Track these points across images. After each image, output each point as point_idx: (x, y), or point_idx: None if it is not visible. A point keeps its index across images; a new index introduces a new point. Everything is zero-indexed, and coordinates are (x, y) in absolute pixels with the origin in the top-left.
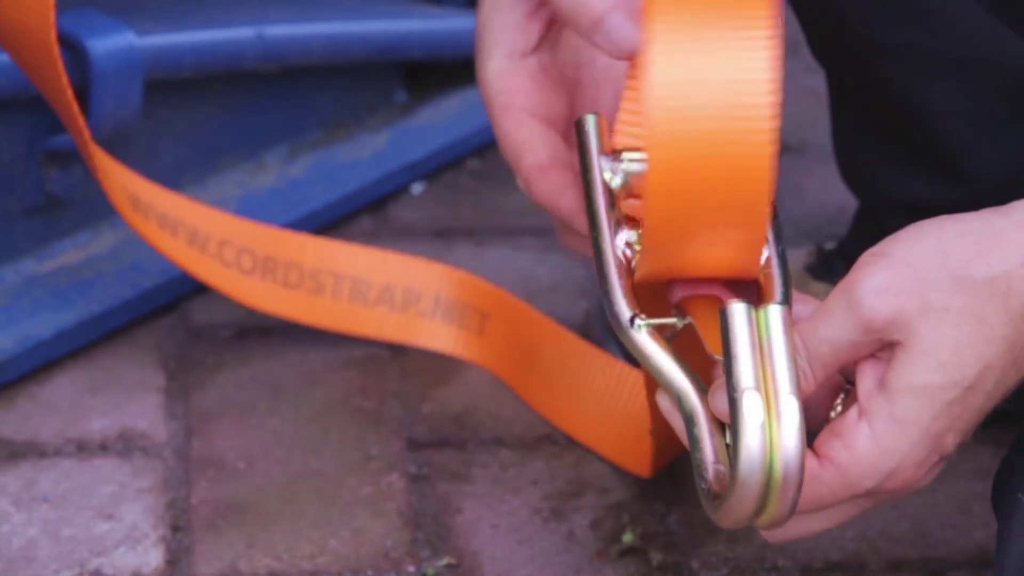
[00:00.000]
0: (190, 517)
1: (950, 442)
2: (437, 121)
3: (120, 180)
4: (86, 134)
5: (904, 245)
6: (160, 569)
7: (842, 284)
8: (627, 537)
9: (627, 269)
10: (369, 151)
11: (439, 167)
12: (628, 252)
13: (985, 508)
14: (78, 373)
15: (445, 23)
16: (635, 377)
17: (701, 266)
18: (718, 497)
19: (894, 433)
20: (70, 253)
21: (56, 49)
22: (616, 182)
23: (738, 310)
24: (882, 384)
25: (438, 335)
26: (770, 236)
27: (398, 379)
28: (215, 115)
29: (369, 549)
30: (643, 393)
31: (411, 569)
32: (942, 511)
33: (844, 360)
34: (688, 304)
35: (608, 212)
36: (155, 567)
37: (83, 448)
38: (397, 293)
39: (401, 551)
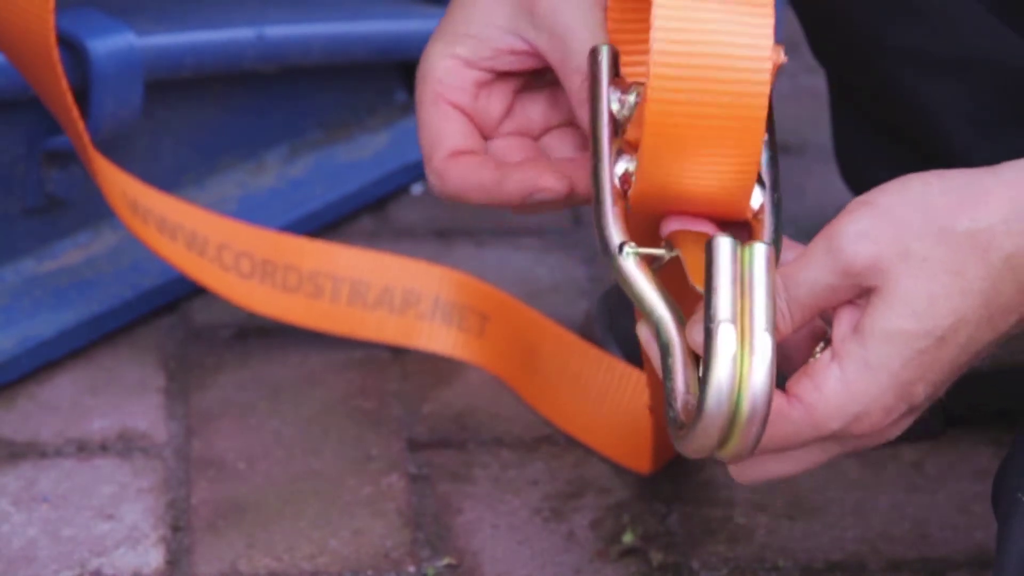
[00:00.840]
0: (190, 517)
1: (920, 392)
2: None
3: (118, 185)
4: (85, 138)
5: (889, 195)
6: (160, 569)
7: (825, 229)
8: (627, 537)
9: (622, 198)
10: (369, 151)
11: None
12: (625, 185)
13: (985, 508)
14: (78, 373)
15: None
16: (637, 377)
17: (693, 196)
18: (684, 427)
19: (864, 377)
20: (70, 253)
21: (55, 53)
22: (623, 112)
23: (723, 243)
24: (856, 329)
25: (438, 337)
26: (767, 182)
27: (398, 379)
28: (215, 115)
29: (369, 549)
30: (645, 393)
31: (411, 569)
32: (942, 511)
33: (822, 303)
34: (677, 238)
35: (611, 141)
36: (155, 567)
37: (83, 448)
38: (396, 295)
39: (401, 551)
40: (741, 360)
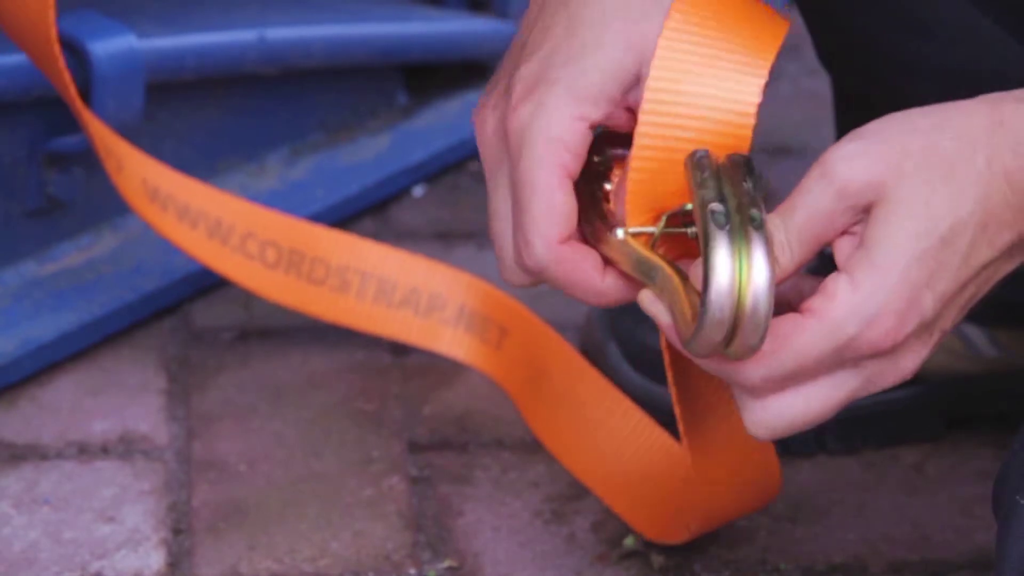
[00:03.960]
0: (191, 519)
1: (928, 303)
2: (438, 123)
3: (140, 171)
4: (102, 126)
5: (874, 125)
6: (161, 572)
7: (816, 161)
8: (628, 540)
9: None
10: (370, 153)
11: (440, 169)
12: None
13: (986, 510)
14: (79, 375)
15: (446, 26)
16: (638, 419)
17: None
18: (692, 330)
19: (872, 277)
20: (71, 256)
21: (57, 47)
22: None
23: (699, 152)
24: (860, 244)
25: (458, 345)
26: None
27: (399, 382)
28: (216, 117)
29: (370, 551)
30: (651, 437)
31: (412, 571)
32: (943, 513)
33: (820, 232)
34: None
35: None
36: (156, 570)
37: (84, 450)
38: (423, 298)
39: (402, 553)
40: (740, 258)
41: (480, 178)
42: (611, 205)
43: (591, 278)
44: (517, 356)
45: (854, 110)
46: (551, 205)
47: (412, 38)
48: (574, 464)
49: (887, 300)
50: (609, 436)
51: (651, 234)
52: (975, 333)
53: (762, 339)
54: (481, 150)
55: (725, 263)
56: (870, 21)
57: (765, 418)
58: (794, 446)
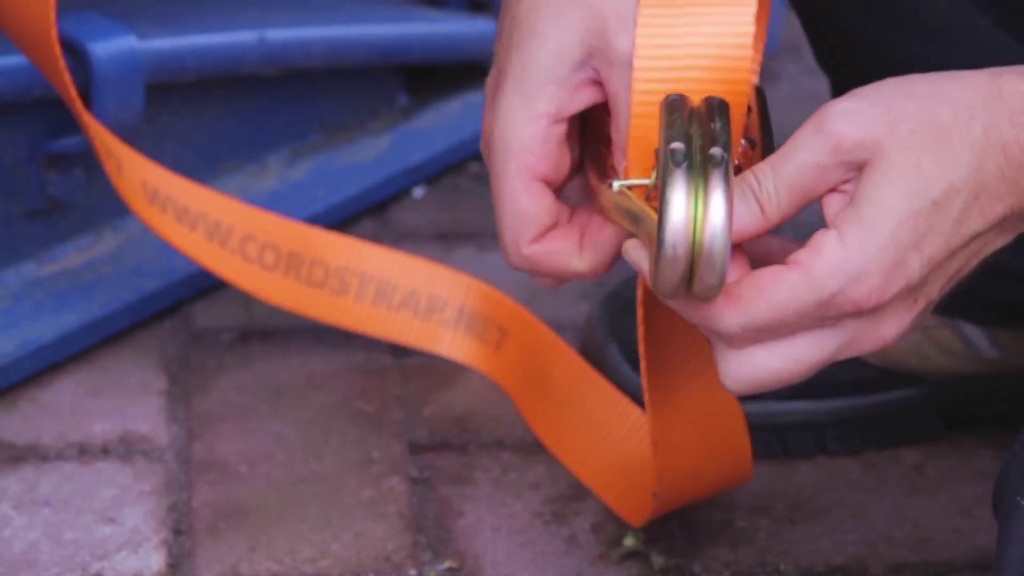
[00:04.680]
0: (191, 520)
1: (915, 264)
2: (438, 124)
3: (139, 173)
4: (101, 127)
5: (871, 86)
6: (161, 573)
7: (812, 115)
8: (629, 541)
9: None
10: (370, 154)
11: (440, 170)
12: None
13: (986, 512)
14: (80, 376)
15: (446, 26)
16: (636, 416)
17: None
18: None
19: (860, 234)
20: (72, 256)
21: (57, 48)
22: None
23: (672, 96)
24: (851, 201)
25: (458, 346)
26: (759, 134)
27: (399, 383)
28: (216, 118)
29: (370, 552)
30: (642, 431)
31: (412, 572)
32: (943, 515)
33: (810, 185)
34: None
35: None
36: (156, 571)
37: (85, 451)
38: (422, 299)
39: (402, 554)
40: (696, 194)
41: (480, 179)
42: (613, 160)
43: (567, 265)
44: (517, 357)
45: None
46: (515, 213)
47: (412, 39)
48: (574, 463)
49: (874, 258)
50: (608, 435)
51: (646, 186)
52: (975, 334)
53: (722, 278)
54: (483, 152)
55: (680, 200)
56: (868, 22)
57: (741, 370)
58: (794, 447)
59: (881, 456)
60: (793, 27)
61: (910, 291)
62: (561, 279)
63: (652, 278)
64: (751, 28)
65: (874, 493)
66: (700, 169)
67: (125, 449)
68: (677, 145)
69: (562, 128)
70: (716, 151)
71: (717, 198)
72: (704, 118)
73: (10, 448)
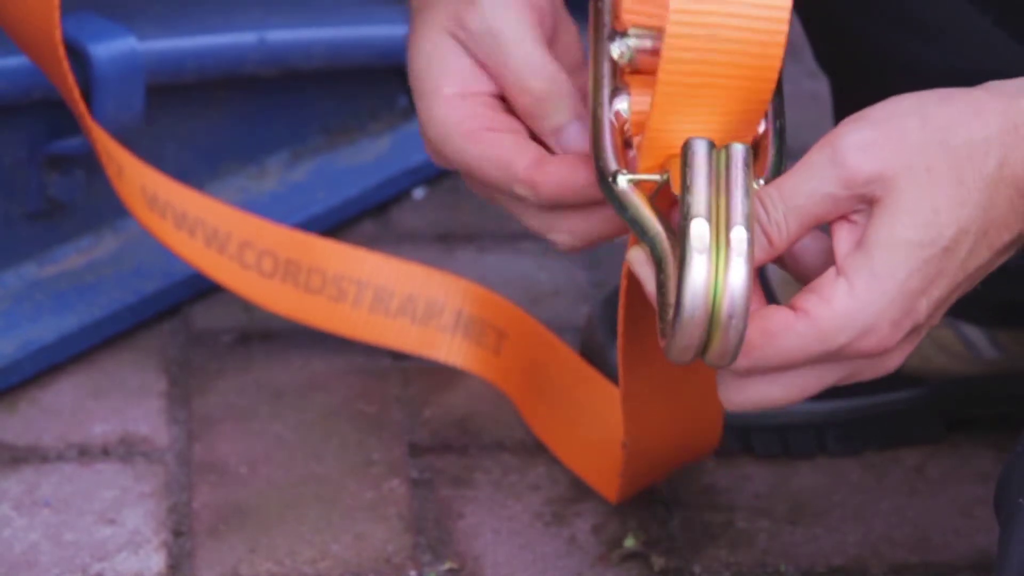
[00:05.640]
0: (192, 522)
1: (923, 308)
2: None
3: (139, 178)
4: (102, 132)
5: (885, 108)
6: (162, 574)
7: (824, 140)
8: (629, 542)
9: (619, 132)
10: (371, 156)
11: (441, 172)
12: (621, 120)
13: (987, 513)
14: (80, 378)
15: None
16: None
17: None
18: (668, 332)
19: (872, 287)
20: (72, 258)
21: (62, 50)
22: (625, 57)
23: (699, 144)
24: (860, 243)
25: (457, 351)
26: (770, 110)
27: (400, 384)
28: (217, 120)
29: (371, 554)
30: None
31: (412, 574)
32: (944, 516)
33: (819, 214)
34: (670, 160)
35: (609, 81)
36: (157, 572)
37: (85, 453)
38: (419, 305)
39: (403, 556)
40: (717, 256)
41: None
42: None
43: (579, 179)
44: (516, 359)
45: (853, 111)
46: (494, 163)
47: None
48: (576, 463)
49: (884, 310)
50: (610, 435)
51: (654, 183)
52: (976, 334)
53: (735, 356)
54: None
55: (699, 301)
56: (868, 23)
57: (741, 396)
58: (794, 447)
59: (882, 457)
60: (793, 28)
61: (917, 330)
62: (496, 190)
63: (665, 346)
64: (788, 4)
65: (875, 494)
66: (721, 219)
67: (125, 450)
68: (700, 198)
69: (476, 98)
70: (738, 209)
71: (738, 260)
72: (725, 163)
73: (10, 449)
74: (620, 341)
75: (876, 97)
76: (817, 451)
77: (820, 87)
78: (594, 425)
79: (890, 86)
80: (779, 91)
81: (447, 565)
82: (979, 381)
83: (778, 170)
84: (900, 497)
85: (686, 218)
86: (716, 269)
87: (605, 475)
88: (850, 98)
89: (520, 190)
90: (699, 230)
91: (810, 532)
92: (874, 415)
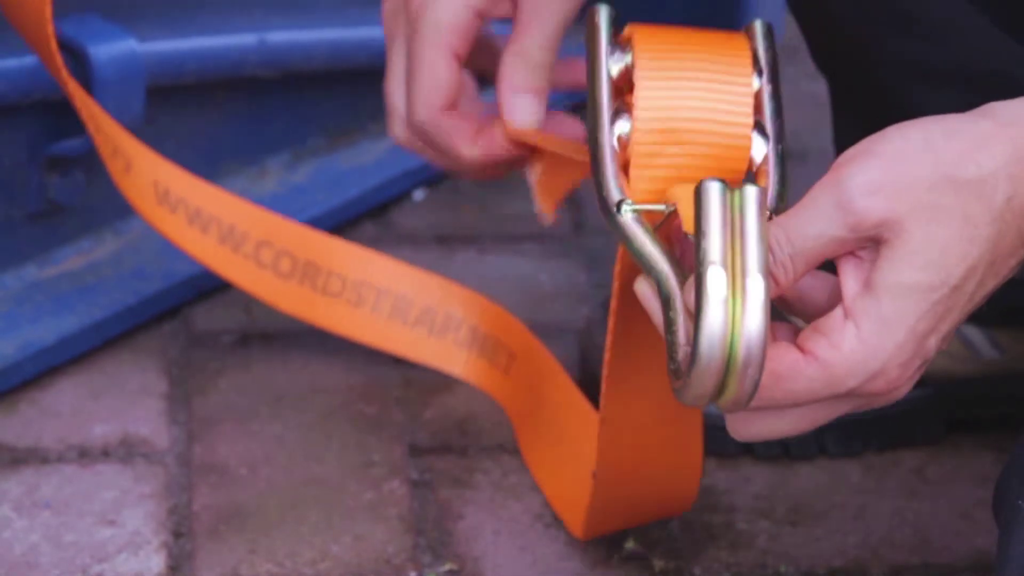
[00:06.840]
0: (192, 523)
1: (932, 345)
2: None
3: (151, 172)
4: (115, 124)
5: (891, 144)
6: (162, 575)
7: (829, 179)
8: (629, 543)
9: (621, 156)
10: (371, 157)
11: (441, 173)
12: (624, 139)
13: (986, 515)
14: (80, 379)
15: None
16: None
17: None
18: (683, 377)
19: (881, 333)
20: (72, 259)
21: (54, 44)
22: (620, 71)
23: (712, 188)
24: (868, 284)
25: (473, 367)
26: (771, 134)
27: (400, 385)
28: (217, 121)
29: (371, 555)
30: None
31: (413, 575)
32: (944, 518)
33: (827, 255)
34: (675, 191)
35: (609, 102)
36: (157, 573)
37: (85, 454)
38: (438, 317)
39: (403, 557)
40: (733, 304)
41: (480, 182)
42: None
43: (458, 146)
44: (522, 382)
45: (852, 112)
46: (435, 78)
47: None
48: (549, 491)
49: (893, 355)
50: (585, 467)
51: (660, 212)
52: (975, 335)
53: (749, 401)
54: (384, 17)
55: (715, 349)
56: (867, 22)
57: (747, 429)
58: (795, 449)
59: (882, 458)
60: (791, 29)
61: (924, 365)
62: (446, 160)
63: (677, 389)
64: (750, 119)
65: (875, 495)
66: (737, 265)
67: (125, 452)
68: (716, 245)
69: (479, 25)
70: (754, 256)
71: (755, 309)
72: (739, 207)
73: (10, 451)
74: (605, 370)
75: (875, 97)
76: (817, 452)
77: (819, 89)
78: (572, 455)
79: (888, 85)
80: (779, 113)
81: (447, 566)
82: (979, 381)
83: (781, 197)
84: (900, 499)
85: (702, 265)
86: (733, 318)
87: (574, 507)
88: (849, 99)
89: (413, 115)
90: (716, 279)
91: (810, 533)
92: (874, 416)
